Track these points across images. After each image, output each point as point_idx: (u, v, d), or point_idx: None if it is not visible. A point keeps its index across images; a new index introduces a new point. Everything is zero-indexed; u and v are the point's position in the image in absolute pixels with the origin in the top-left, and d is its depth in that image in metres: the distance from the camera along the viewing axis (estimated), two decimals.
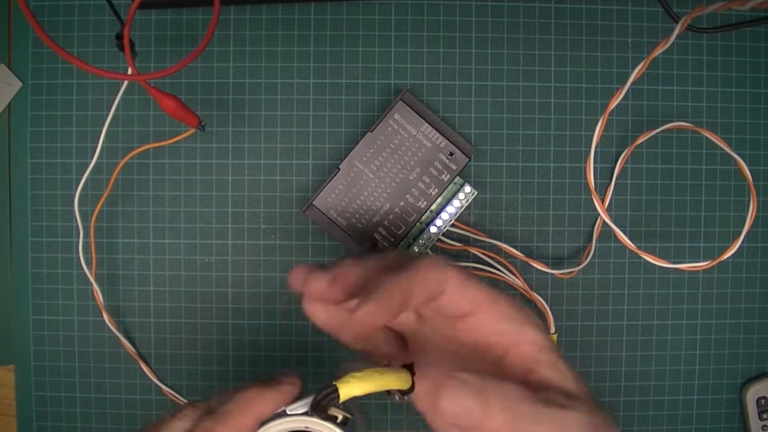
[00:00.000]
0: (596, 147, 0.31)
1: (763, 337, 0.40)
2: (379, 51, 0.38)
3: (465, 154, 0.37)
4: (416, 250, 0.37)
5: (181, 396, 0.38)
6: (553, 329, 0.38)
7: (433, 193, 0.37)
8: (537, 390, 0.24)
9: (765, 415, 0.39)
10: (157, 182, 0.38)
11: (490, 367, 0.25)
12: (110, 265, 0.38)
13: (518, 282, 0.38)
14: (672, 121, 0.38)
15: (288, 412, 0.25)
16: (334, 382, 0.23)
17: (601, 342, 0.39)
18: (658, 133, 0.38)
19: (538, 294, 0.38)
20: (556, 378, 0.24)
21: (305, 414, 0.24)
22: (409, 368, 0.25)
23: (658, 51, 0.28)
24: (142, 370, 0.38)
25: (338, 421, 0.25)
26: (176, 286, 0.38)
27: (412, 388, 0.24)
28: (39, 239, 0.38)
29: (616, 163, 0.38)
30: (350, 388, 0.23)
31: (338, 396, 0.23)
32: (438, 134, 0.36)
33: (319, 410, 0.24)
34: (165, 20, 0.38)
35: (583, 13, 0.38)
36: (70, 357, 0.39)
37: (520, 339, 0.25)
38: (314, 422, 0.25)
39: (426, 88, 0.38)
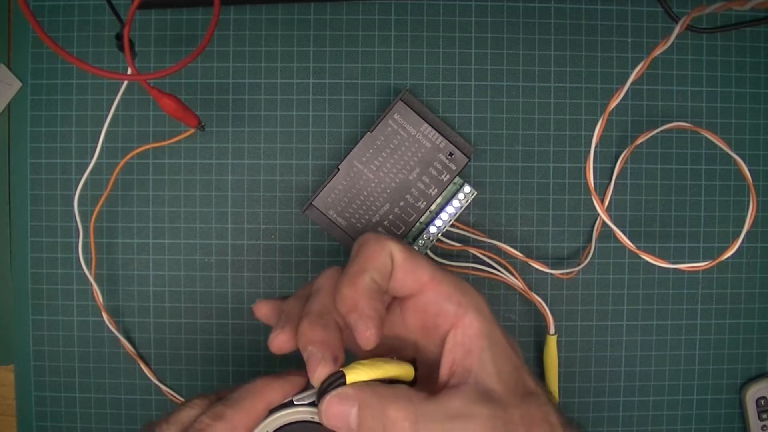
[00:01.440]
0: (596, 147, 0.31)
1: (763, 337, 0.40)
2: (379, 51, 0.38)
3: (464, 155, 0.37)
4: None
5: (181, 396, 0.38)
6: (552, 330, 0.38)
7: (433, 193, 0.37)
8: (456, 386, 0.23)
9: (765, 415, 0.39)
10: (156, 182, 0.38)
11: (437, 348, 0.25)
12: (110, 265, 0.38)
13: (517, 282, 0.38)
14: (672, 121, 0.38)
15: (295, 402, 0.25)
16: (340, 369, 0.23)
17: (601, 342, 0.39)
18: (657, 133, 0.38)
19: (538, 294, 0.38)
20: (479, 372, 0.23)
21: (312, 404, 0.24)
22: (413, 363, 0.25)
23: (657, 51, 0.28)
24: (142, 371, 0.38)
25: None
26: (176, 287, 0.38)
27: (415, 381, 0.25)
28: (39, 239, 0.38)
29: (615, 163, 0.38)
30: (356, 374, 0.23)
31: (345, 381, 0.23)
32: (437, 134, 0.36)
33: None
34: (165, 20, 0.38)
35: (583, 13, 0.38)
36: (70, 357, 0.39)
37: (459, 322, 0.24)
38: None
39: (425, 88, 0.38)
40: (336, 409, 0.23)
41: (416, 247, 0.37)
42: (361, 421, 0.23)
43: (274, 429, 0.25)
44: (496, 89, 0.38)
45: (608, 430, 0.39)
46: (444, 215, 0.37)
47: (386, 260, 0.25)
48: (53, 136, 0.38)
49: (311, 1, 0.38)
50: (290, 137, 0.38)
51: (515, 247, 0.38)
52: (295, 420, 0.25)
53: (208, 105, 0.38)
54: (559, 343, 0.39)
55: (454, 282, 0.25)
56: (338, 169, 0.36)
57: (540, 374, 0.39)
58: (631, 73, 0.29)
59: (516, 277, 0.38)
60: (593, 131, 0.30)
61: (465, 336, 0.24)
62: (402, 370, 0.24)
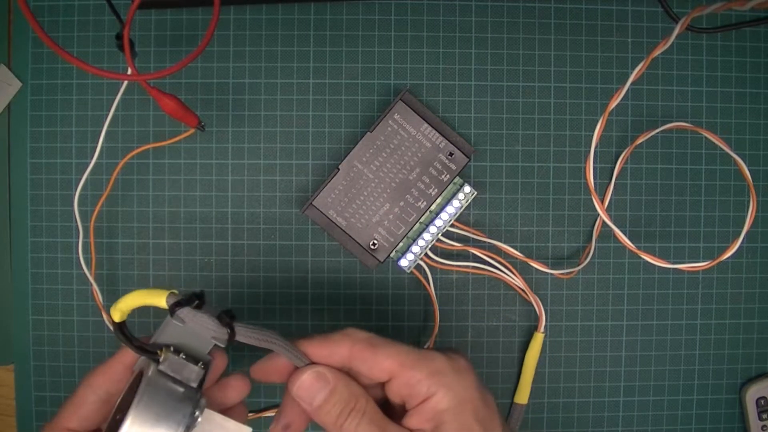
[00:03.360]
0: (596, 147, 0.31)
1: (763, 337, 0.40)
2: (379, 51, 0.38)
3: (465, 155, 0.37)
4: (416, 250, 0.37)
5: None
6: (542, 329, 0.38)
7: (433, 193, 0.37)
8: None
9: (765, 415, 0.39)
10: (156, 182, 0.38)
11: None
12: (110, 265, 0.38)
13: (518, 282, 0.38)
14: (672, 121, 0.38)
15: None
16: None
17: (601, 342, 0.39)
18: (657, 133, 0.38)
19: (538, 294, 0.38)
20: None
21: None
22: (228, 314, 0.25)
23: (657, 51, 0.28)
24: (180, 294, 0.38)
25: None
26: (176, 287, 0.38)
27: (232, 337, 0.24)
28: (39, 239, 0.38)
29: (615, 163, 0.38)
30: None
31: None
32: (438, 134, 0.36)
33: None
34: (165, 20, 0.38)
35: (583, 13, 0.38)
36: (70, 357, 0.39)
37: (428, 399, 0.25)
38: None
39: (426, 88, 0.38)
40: (310, 384, 0.25)
41: (417, 247, 0.37)
42: (324, 404, 0.25)
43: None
44: (496, 89, 0.38)
45: (608, 430, 0.39)
46: (444, 215, 0.37)
47: (341, 354, 0.26)
48: (53, 136, 0.38)
49: (311, 1, 0.38)
50: (290, 137, 0.38)
51: (515, 247, 0.38)
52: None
53: (208, 105, 0.38)
54: (558, 342, 0.39)
55: (427, 366, 0.25)
56: (338, 169, 0.36)
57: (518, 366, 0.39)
58: (631, 73, 0.29)
59: (516, 276, 0.38)
60: (593, 131, 0.30)
61: (432, 409, 0.25)
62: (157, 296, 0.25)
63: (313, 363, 0.26)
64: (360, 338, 0.26)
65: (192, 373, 0.24)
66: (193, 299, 0.24)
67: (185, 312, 0.24)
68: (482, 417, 0.25)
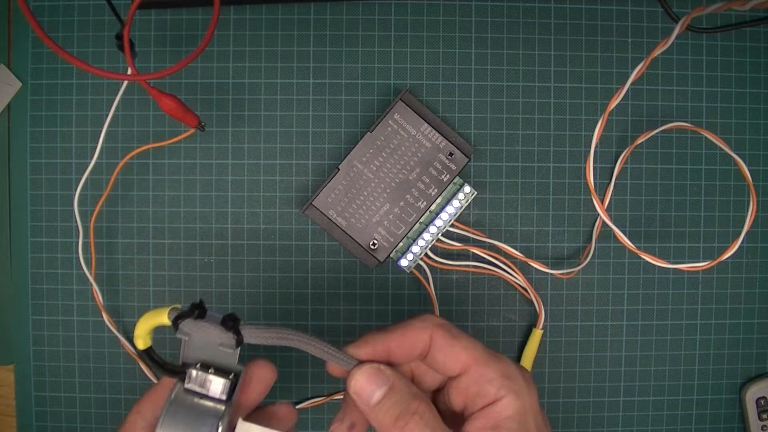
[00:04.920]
0: (596, 147, 0.31)
1: (763, 337, 0.40)
2: (379, 51, 0.38)
3: (464, 155, 0.37)
4: (416, 250, 0.37)
5: None
6: (540, 326, 0.38)
7: (433, 193, 0.37)
8: None
9: (765, 415, 0.39)
10: (156, 182, 0.38)
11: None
12: (110, 265, 0.38)
13: (518, 280, 0.38)
14: (672, 121, 0.38)
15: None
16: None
17: (601, 342, 0.39)
18: (657, 133, 0.38)
19: (537, 294, 0.38)
20: None
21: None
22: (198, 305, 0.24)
23: (657, 51, 0.28)
24: (142, 371, 0.38)
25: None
26: (176, 287, 0.38)
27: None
28: (39, 239, 0.38)
29: (615, 163, 0.38)
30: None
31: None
32: (437, 134, 0.36)
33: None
34: (165, 20, 0.38)
35: (583, 13, 0.38)
36: (70, 357, 0.39)
37: (495, 403, 0.24)
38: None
39: (425, 88, 0.38)
40: (369, 380, 0.24)
41: (417, 247, 0.37)
42: (383, 402, 0.23)
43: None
44: (496, 89, 0.38)
45: (608, 430, 0.39)
46: (444, 215, 0.37)
47: (424, 341, 0.25)
48: (53, 136, 0.38)
49: (311, 1, 0.38)
50: (290, 137, 0.38)
51: (515, 247, 0.38)
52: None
53: (208, 105, 0.38)
54: (558, 342, 0.39)
55: (500, 367, 0.25)
56: (338, 169, 0.36)
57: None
58: (631, 73, 0.29)
59: (516, 273, 0.38)
60: (593, 131, 0.30)
61: (497, 414, 0.24)
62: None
63: (350, 358, 0.25)
64: (440, 324, 0.25)
65: (218, 385, 0.24)
66: (194, 310, 0.24)
67: (187, 324, 0.24)
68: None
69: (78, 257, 0.37)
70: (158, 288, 0.38)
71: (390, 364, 0.25)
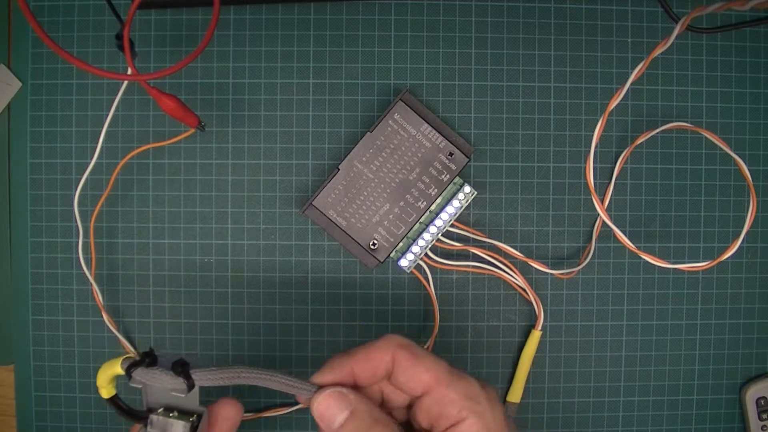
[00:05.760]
0: (596, 147, 0.31)
1: (763, 337, 0.40)
2: (379, 51, 0.38)
3: (464, 155, 0.37)
4: (416, 250, 0.37)
5: None
6: (539, 327, 0.38)
7: (433, 193, 0.37)
8: None
9: (765, 415, 0.39)
10: (156, 182, 0.38)
11: None
12: (110, 265, 0.38)
13: (518, 280, 0.38)
14: (672, 121, 0.38)
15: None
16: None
17: (601, 342, 0.39)
18: (657, 133, 0.38)
19: (537, 294, 0.38)
20: None
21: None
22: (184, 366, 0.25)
23: (657, 51, 0.28)
24: (135, 357, 0.38)
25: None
26: (176, 287, 0.38)
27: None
28: (39, 239, 0.38)
29: (615, 163, 0.38)
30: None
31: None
32: (437, 134, 0.36)
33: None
34: (165, 20, 0.38)
35: (583, 13, 0.38)
36: (70, 357, 0.39)
37: (457, 425, 0.24)
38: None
39: (425, 88, 0.38)
40: (330, 404, 0.24)
41: (417, 247, 0.37)
42: (345, 426, 0.24)
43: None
44: (496, 89, 0.38)
45: (608, 430, 0.39)
46: (444, 215, 0.37)
47: (386, 362, 0.25)
48: (53, 136, 0.38)
49: (311, 1, 0.38)
50: (290, 137, 0.38)
51: (515, 247, 0.38)
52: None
53: (208, 105, 0.38)
54: (558, 343, 0.39)
55: (463, 388, 0.25)
56: (338, 169, 0.36)
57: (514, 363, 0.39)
58: (631, 73, 0.29)
59: (516, 273, 0.38)
60: (593, 131, 0.30)
61: None
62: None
63: (310, 385, 0.25)
64: (402, 344, 0.25)
65: (178, 428, 0.25)
66: (144, 358, 0.25)
67: (139, 372, 0.24)
68: None
69: (78, 257, 0.37)
70: (158, 288, 0.38)
71: (356, 386, 0.26)
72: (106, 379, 0.25)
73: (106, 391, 0.26)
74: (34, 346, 0.39)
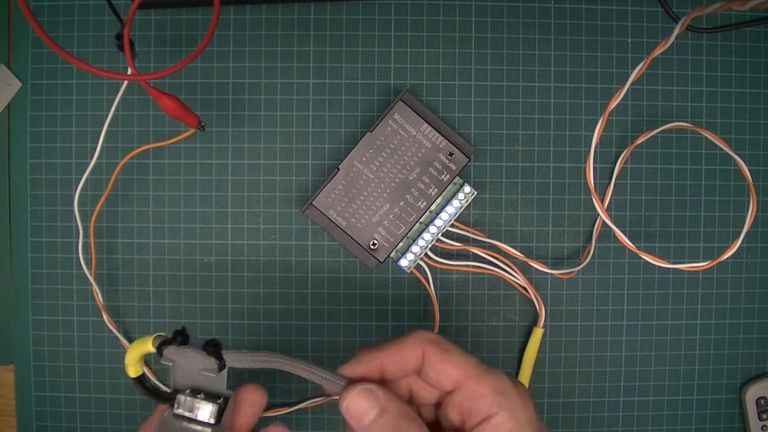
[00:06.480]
0: (596, 147, 0.31)
1: (763, 337, 0.40)
2: (379, 51, 0.38)
3: (464, 155, 0.37)
4: (416, 250, 0.37)
5: None
6: (541, 324, 0.38)
7: (433, 193, 0.37)
8: None
9: (765, 415, 0.39)
10: (156, 182, 0.38)
11: None
12: (110, 265, 0.38)
13: (518, 279, 0.38)
14: (672, 121, 0.38)
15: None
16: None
17: (601, 342, 0.39)
18: (657, 133, 0.38)
19: (537, 294, 0.38)
20: None
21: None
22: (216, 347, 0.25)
23: (657, 51, 0.28)
24: (167, 336, 0.38)
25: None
26: (176, 287, 0.39)
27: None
28: (39, 239, 0.38)
29: (615, 163, 0.38)
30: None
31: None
32: (437, 134, 0.36)
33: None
34: (165, 20, 0.38)
35: (583, 13, 0.38)
36: (70, 357, 0.39)
37: (488, 421, 0.24)
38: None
39: (425, 88, 0.38)
40: (361, 402, 0.24)
41: (417, 247, 0.37)
42: (374, 424, 0.24)
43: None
44: (496, 89, 0.38)
45: (608, 430, 0.39)
46: (444, 215, 0.37)
47: (416, 357, 0.25)
48: (53, 136, 0.38)
49: (311, 1, 0.38)
50: (290, 137, 0.38)
51: (515, 247, 0.38)
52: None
53: (208, 105, 0.38)
54: (558, 342, 0.39)
55: (493, 383, 0.24)
56: (338, 169, 0.36)
57: (517, 362, 0.39)
58: (632, 73, 0.29)
59: (516, 272, 0.38)
60: (593, 131, 0.30)
61: (493, 431, 0.24)
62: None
63: (338, 378, 0.25)
64: (432, 340, 0.25)
65: (206, 410, 0.25)
66: (176, 337, 0.24)
67: (170, 351, 0.24)
68: None
69: (78, 257, 0.37)
70: (158, 288, 0.38)
71: (384, 380, 0.26)
72: (135, 357, 0.25)
73: (133, 370, 0.25)
74: (34, 346, 0.39)
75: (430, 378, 0.25)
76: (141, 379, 0.25)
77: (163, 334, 0.25)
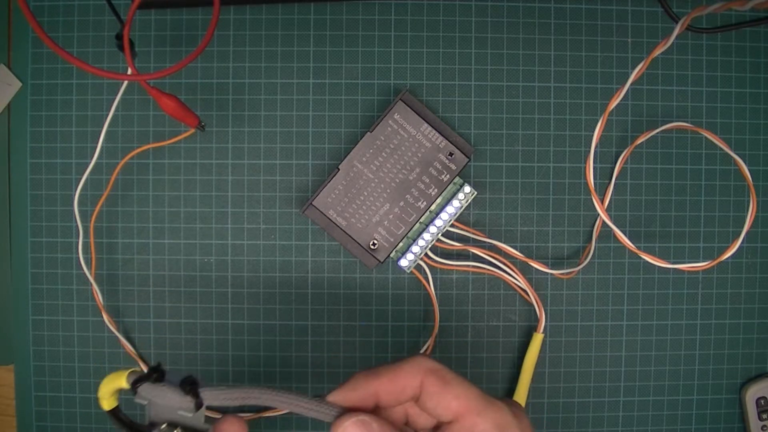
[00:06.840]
0: (596, 147, 0.31)
1: (763, 337, 0.40)
2: (379, 51, 0.38)
3: (464, 155, 0.37)
4: (416, 250, 0.37)
5: None
6: (541, 329, 0.38)
7: (433, 193, 0.37)
8: None
9: (765, 415, 0.39)
10: (156, 182, 0.38)
11: None
12: (110, 265, 0.38)
13: (518, 281, 0.38)
14: (672, 121, 0.38)
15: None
16: None
17: (601, 342, 0.39)
18: (657, 133, 0.38)
19: (538, 294, 0.38)
20: None
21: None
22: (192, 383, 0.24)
23: (657, 51, 0.28)
24: (142, 371, 0.38)
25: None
26: (176, 287, 0.39)
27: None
28: (39, 239, 0.38)
29: (615, 163, 0.38)
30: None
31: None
32: (437, 134, 0.36)
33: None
34: (165, 20, 0.38)
35: (583, 13, 0.38)
36: (70, 357, 0.39)
37: None
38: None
39: (425, 88, 0.38)
40: (353, 430, 0.23)
41: (417, 247, 0.37)
42: None
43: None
44: (496, 89, 0.38)
45: (608, 430, 0.39)
46: (444, 215, 0.37)
47: (414, 387, 0.25)
48: (53, 136, 0.38)
49: (311, 1, 0.38)
50: (290, 137, 0.38)
51: (515, 247, 0.38)
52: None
53: (208, 105, 0.38)
54: (558, 343, 0.39)
55: (494, 416, 0.24)
56: (338, 169, 0.36)
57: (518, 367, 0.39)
58: (631, 73, 0.29)
59: (517, 274, 0.38)
60: (593, 131, 0.30)
61: None
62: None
63: (329, 407, 0.24)
64: (431, 369, 0.24)
65: None
66: (152, 373, 0.24)
67: (145, 388, 0.23)
68: None
69: (78, 257, 0.37)
70: (158, 288, 0.38)
71: (379, 406, 0.25)
72: (109, 391, 0.24)
73: (107, 403, 0.25)
74: (34, 346, 0.39)
75: (427, 408, 0.25)
76: (115, 412, 0.25)
77: (137, 369, 0.24)
